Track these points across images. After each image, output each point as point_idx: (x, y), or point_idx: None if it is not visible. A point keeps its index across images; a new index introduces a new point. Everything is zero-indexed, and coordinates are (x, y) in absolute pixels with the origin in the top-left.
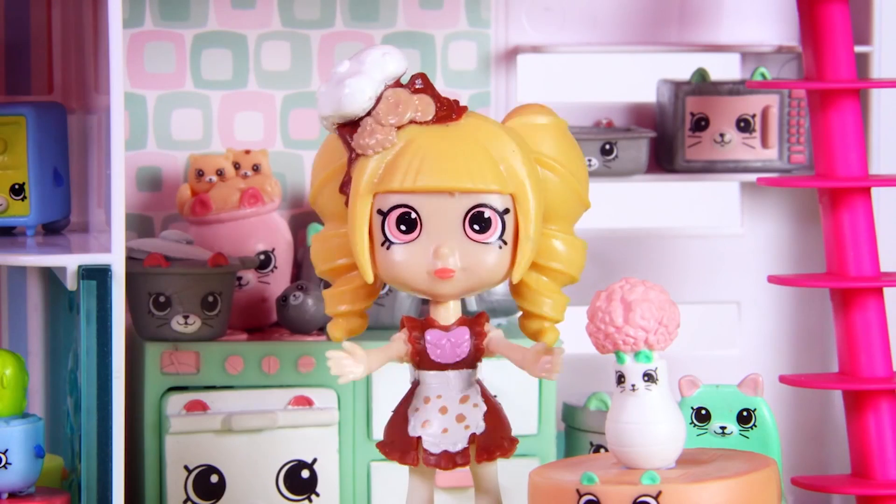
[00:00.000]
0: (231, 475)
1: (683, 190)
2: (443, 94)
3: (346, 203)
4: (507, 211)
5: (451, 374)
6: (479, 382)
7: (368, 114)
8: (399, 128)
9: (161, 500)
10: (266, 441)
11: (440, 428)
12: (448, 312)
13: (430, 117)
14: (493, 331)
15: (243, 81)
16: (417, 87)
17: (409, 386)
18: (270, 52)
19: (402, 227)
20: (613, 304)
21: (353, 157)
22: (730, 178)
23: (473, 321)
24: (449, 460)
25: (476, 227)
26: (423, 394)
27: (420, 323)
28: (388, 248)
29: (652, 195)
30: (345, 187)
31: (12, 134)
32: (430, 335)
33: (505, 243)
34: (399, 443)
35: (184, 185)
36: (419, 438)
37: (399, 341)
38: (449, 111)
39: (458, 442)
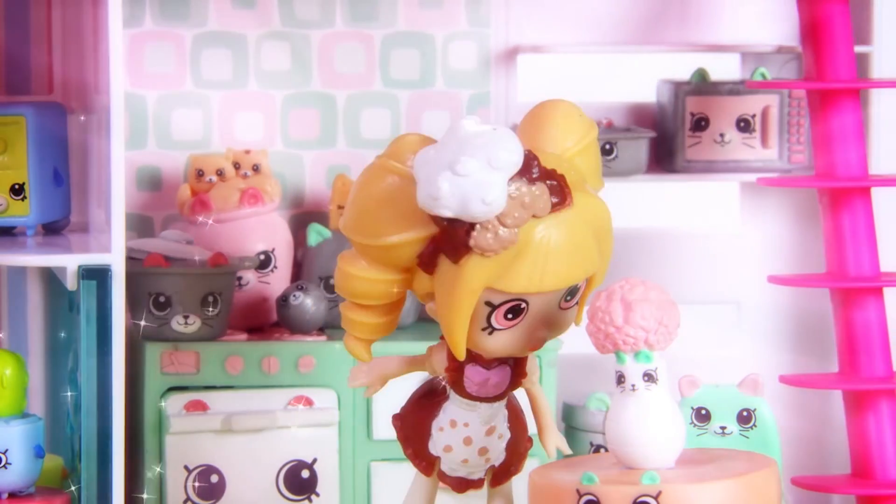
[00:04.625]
0: (231, 475)
1: (683, 190)
2: (538, 157)
3: (422, 268)
4: None
5: (482, 405)
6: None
7: None
8: None
9: (161, 500)
10: (266, 441)
11: (461, 458)
12: None
13: (548, 211)
14: (537, 386)
15: (243, 81)
16: (535, 175)
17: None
18: (270, 52)
19: (510, 316)
20: (613, 304)
21: (465, 252)
22: (730, 178)
23: (518, 361)
24: (464, 486)
25: (569, 297)
26: (450, 414)
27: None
28: (490, 334)
29: (652, 195)
30: (428, 266)
31: (12, 134)
32: (470, 372)
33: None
34: (416, 447)
35: (184, 185)
36: (438, 458)
37: (438, 366)
38: (562, 198)
39: (475, 472)
